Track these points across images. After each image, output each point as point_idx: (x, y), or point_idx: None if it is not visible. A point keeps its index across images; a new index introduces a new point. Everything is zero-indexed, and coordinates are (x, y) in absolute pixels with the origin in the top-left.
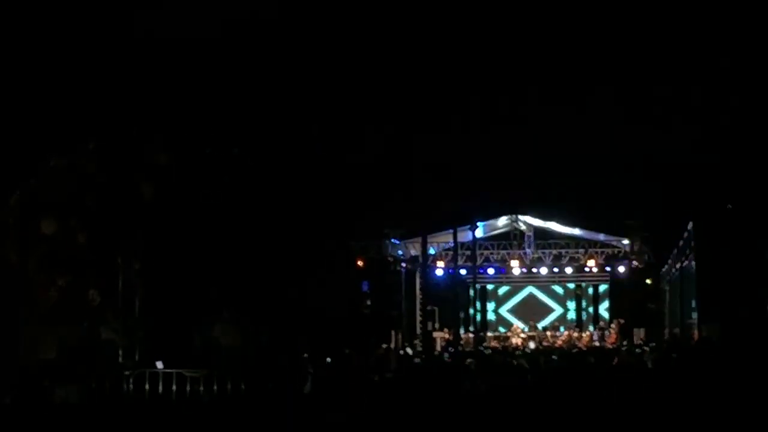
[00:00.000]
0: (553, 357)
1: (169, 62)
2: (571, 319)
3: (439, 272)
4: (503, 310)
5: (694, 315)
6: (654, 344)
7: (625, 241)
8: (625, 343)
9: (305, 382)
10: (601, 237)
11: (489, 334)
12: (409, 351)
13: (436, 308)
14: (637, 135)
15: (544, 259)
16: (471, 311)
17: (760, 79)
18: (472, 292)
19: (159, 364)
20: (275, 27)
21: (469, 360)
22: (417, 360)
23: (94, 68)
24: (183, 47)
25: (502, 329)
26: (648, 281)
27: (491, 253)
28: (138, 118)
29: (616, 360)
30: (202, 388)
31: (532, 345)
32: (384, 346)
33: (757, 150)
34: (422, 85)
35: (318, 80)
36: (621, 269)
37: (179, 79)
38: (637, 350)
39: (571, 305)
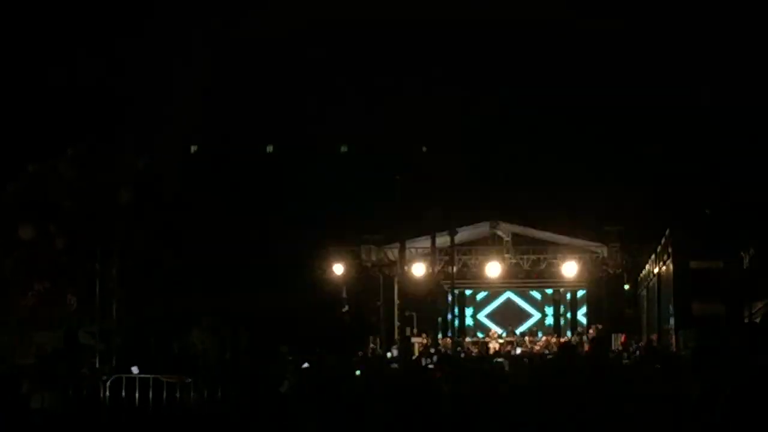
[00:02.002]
0: (525, 360)
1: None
2: (549, 324)
3: (417, 277)
4: (481, 316)
5: (672, 321)
6: (632, 349)
7: (604, 247)
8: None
9: (282, 382)
10: (579, 243)
11: (467, 339)
12: (390, 354)
13: (414, 314)
14: (615, 141)
15: (522, 264)
16: (449, 316)
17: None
18: (450, 298)
19: (134, 369)
20: None
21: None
22: (394, 365)
23: (71, 74)
24: None
25: (480, 334)
26: (626, 287)
27: (469, 259)
28: (116, 123)
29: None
30: (179, 394)
31: (519, 350)
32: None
33: (735, 156)
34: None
35: None
36: (599, 275)
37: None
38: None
39: (549, 311)
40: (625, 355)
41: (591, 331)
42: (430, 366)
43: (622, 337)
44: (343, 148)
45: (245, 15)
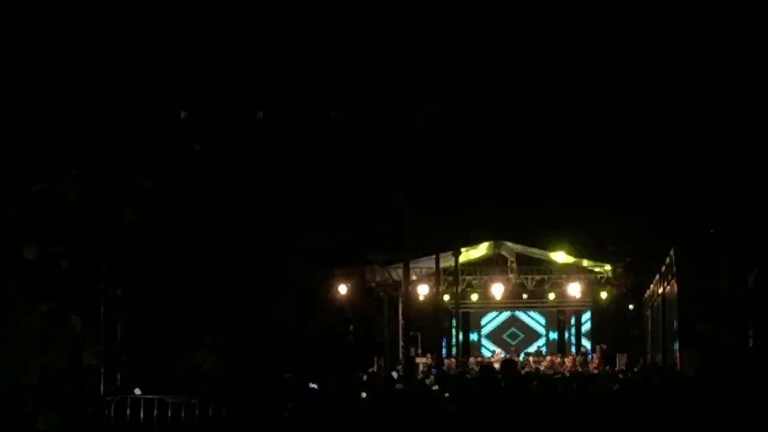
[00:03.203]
0: (534, 382)
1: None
2: (554, 344)
3: (422, 298)
4: (485, 336)
5: (676, 341)
6: (636, 369)
7: (608, 267)
8: (608, 368)
9: (286, 406)
10: (584, 263)
11: (471, 359)
12: (394, 374)
13: (418, 334)
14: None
15: (526, 284)
16: (453, 337)
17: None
18: (454, 318)
19: (137, 391)
20: None
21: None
22: (399, 385)
23: (74, 95)
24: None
25: (485, 353)
26: (630, 307)
27: (474, 279)
28: (120, 143)
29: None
30: (183, 414)
31: (524, 371)
32: (369, 370)
33: (738, 177)
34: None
35: None
36: (603, 295)
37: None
38: (620, 376)
39: (554, 331)
40: (629, 374)
41: (596, 351)
42: (434, 387)
43: (624, 358)
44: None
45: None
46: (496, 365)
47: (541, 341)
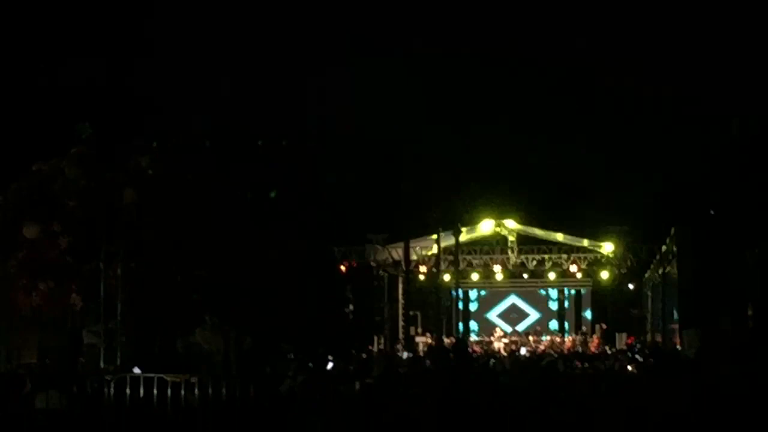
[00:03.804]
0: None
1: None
2: (554, 325)
3: (422, 277)
4: (485, 315)
5: (676, 320)
6: (637, 348)
7: (609, 247)
8: (608, 348)
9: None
10: (584, 243)
11: (471, 339)
12: (405, 354)
13: (418, 313)
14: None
15: (526, 264)
16: (453, 316)
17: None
18: (454, 297)
19: (136, 370)
20: None
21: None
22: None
23: (76, 75)
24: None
25: (484, 334)
26: (630, 287)
27: (474, 258)
28: (120, 122)
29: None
30: (183, 393)
31: (524, 350)
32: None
33: (739, 157)
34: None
35: None
36: (603, 275)
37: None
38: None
39: (554, 310)
40: (629, 355)
41: (596, 330)
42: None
43: (629, 338)
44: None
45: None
46: (496, 344)
47: (539, 320)
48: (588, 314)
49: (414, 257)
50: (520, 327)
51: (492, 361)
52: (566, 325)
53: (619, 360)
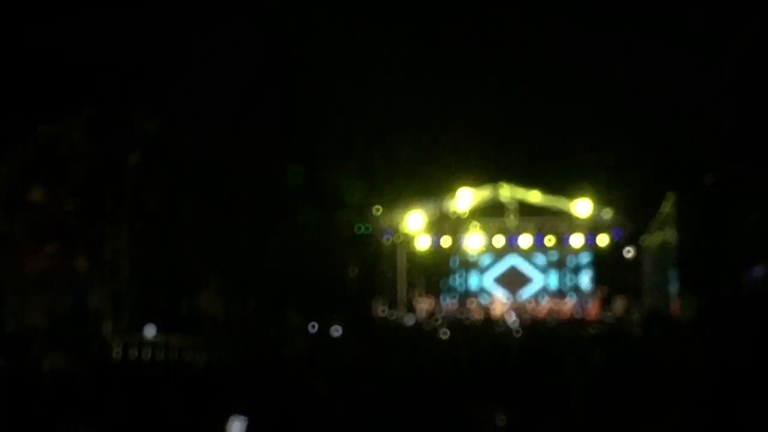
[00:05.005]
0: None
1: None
2: (553, 289)
3: (422, 242)
4: (485, 280)
5: (674, 285)
6: (636, 315)
7: (608, 213)
8: (608, 314)
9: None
10: (583, 207)
11: (472, 305)
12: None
13: (419, 279)
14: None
15: (526, 228)
16: (452, 281)
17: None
18: (453, 262)
19: (148, 332)
20: None
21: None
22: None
23: (80, 37)
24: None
25: (484, 299)
26: (628, 253)
27: (473, 223)
28: (126, 86)
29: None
30: (189, 356)
31: (513, 317)
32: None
33: (738, 122)
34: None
35: None
36: (603, 240)
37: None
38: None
39: (553, 276)
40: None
41: (595, 295)
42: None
43: (623, 302)
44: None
45: None
46: (496, 310)
47: (539, 285)
48: (587, 279)
49: (413, 221)
50: (520, 292)
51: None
52: (566, 290)
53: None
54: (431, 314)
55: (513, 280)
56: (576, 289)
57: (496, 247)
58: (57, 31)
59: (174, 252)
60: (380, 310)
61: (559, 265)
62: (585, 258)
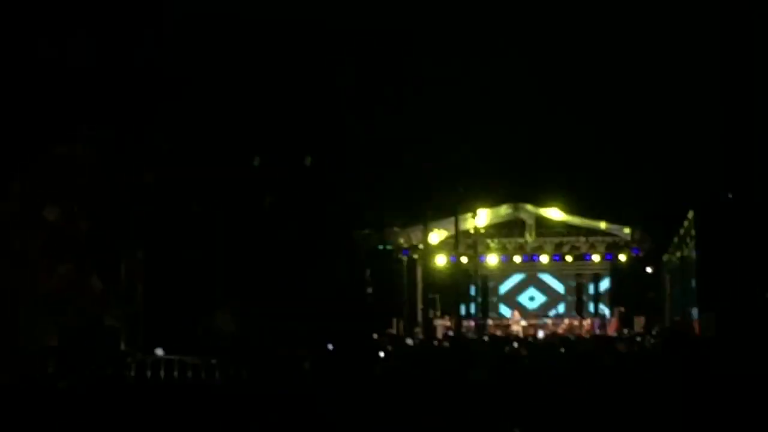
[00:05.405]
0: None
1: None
2: (572, 306)
3: (441, 260)
4: (504, 299)
5: (694, 304)
6: (655, 332)
7: (626, 230)
8: (626, 331)
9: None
10: (602, 225)
11: (490, 322)
12: (409, 341)
13: (437, 296)
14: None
15: (544, 247)
16: (472, 300)
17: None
18: (473, 281)
19: (159, 351)
20: None
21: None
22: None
23: (95, 56)
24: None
25: (503, 315)
26: (648, 270)
27: (492, 242)
28: (140, 106)
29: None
30: (204, 375)
31: (541, 334)
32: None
33: (757, 139)
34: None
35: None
36: (622, 258)
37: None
38: (637, 338)
39: (572, 294)
40: (648, 338)
41: (614, 314)
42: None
43: (642, 320)
44: None
45: None
46: (515, 328)
47: (559, 304)
48: (606, 297)
49: (432, 240)
50: (538, 310)
51: (506, 347)
52: (585, 308)
53: (637, 342)
54: (448, 331)
55: (531, 298)
56: (595, 306)
57: (514, 266)
58: (72, 49)
59: (189, 271)
60: (397, 328)
61: (579, 283)
62: (604, 275)
